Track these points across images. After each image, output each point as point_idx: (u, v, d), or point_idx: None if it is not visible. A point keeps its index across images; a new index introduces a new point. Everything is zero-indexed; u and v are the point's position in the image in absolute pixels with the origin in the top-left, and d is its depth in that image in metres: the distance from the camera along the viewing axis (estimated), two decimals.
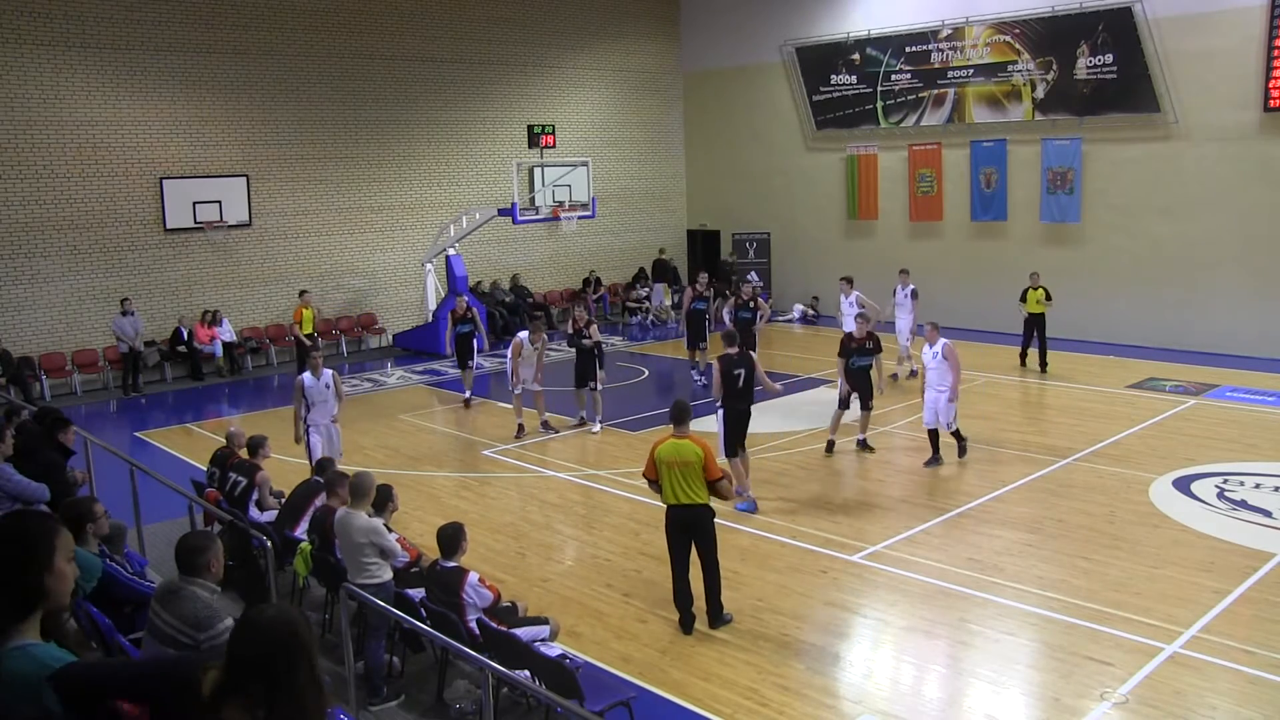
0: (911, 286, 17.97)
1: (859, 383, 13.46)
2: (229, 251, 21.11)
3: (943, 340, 12.81)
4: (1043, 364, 18.43)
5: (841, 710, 7.23)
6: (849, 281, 17.83)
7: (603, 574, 9.85)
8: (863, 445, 13.70)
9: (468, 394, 17.46)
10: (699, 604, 8.54)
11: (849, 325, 16.71)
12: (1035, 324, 18.28)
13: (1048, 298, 18.07)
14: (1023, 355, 18.74)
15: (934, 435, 12.92)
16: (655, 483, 8.49)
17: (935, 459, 12.89)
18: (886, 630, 8.56)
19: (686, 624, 8.47)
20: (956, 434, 12.98)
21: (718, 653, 8.07)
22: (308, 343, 18.49)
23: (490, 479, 13.16)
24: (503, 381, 17.48)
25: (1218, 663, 7.69)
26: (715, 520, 8.49)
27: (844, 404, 13.73)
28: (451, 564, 7.34)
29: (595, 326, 15.52)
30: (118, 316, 19.01)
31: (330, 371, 12.17)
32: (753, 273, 24.08)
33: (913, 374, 17.64)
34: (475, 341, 17.49)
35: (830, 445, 13.68)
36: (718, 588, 8.52)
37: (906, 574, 9.54)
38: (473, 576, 7.22)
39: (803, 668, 7.84)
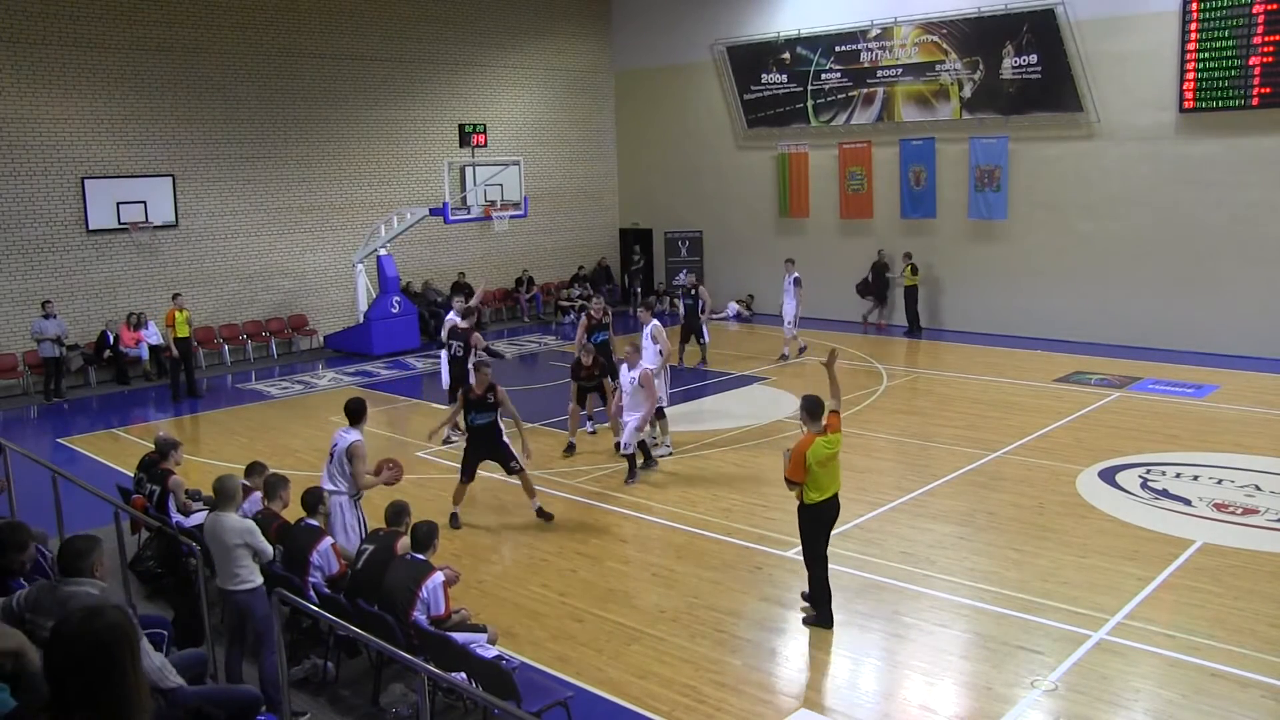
0: (795, 275, 19.91)
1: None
2: (155, 253, 20.66)
3: (642, 365, 12.77)
4: (916, 327, 22.54)
5: (778, 705, 7.28)
6: (791, 262, 20.25)
7: (538, 574, 9.82)
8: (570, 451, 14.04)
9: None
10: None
11: (789, 303, 19.61)
12: (910, 294, 22.50)
13: (914, 272, 22.33)
14: (911, 320, 22.60)
15: (630, 458, 12.66)
16: (796, 484, 8.28)
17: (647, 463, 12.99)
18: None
19: (830, 617, 8.47)
20: (646, 452, 12.99)
21: (655, 651, 8.08)
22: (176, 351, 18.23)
23: (424, 480, 13.04)
24: (435, 382, 17.31)
25: (1141, 647, 7.89)
26: None
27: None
28: (422, 558, 7.32)
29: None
30: (39, 319, 18.45)
31: (357, 436, 9.31)
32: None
33: (802, 350, 19.75)
34: (499, 437, 11.32)
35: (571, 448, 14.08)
36: None
37: (840, 568, 9.61)
38: (438, 577, 7.19)
39: (739, 664, 7.89)
